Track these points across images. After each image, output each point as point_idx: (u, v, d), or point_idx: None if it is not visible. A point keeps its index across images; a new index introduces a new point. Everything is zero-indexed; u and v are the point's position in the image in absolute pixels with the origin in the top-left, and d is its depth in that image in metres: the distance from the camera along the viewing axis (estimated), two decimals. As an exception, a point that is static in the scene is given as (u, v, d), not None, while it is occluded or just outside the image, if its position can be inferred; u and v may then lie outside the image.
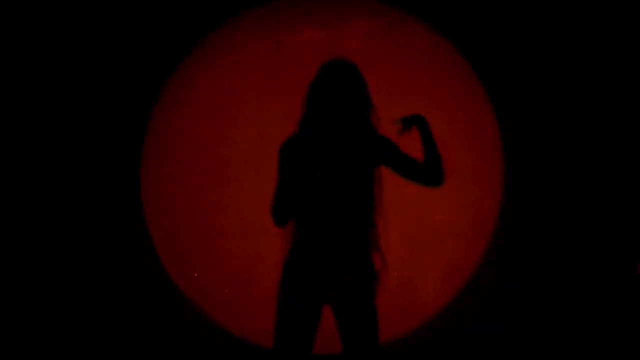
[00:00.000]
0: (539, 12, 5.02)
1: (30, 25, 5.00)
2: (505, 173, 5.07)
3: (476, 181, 5.12)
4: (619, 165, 5.00)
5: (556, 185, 5.02)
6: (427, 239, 5.10)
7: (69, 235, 5.00)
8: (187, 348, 5.05)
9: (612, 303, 4.96)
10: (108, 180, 5.02)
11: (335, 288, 3.18)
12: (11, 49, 5.01)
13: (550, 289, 5.00)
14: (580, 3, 5.00)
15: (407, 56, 5.15)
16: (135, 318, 5.03)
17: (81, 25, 5.01)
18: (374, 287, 3.22)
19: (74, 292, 5.00)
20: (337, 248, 3.17)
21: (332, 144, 3.19)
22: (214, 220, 5.13)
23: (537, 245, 5.01)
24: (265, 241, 5.05)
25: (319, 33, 5.15)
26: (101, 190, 5.02)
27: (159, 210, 5.12)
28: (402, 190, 5.02)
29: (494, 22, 5.03)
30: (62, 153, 5.01)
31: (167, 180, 5.14)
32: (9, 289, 4.98)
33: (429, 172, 3.28)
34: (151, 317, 5.04)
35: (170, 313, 5.06)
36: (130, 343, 5.01)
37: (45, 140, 5.01)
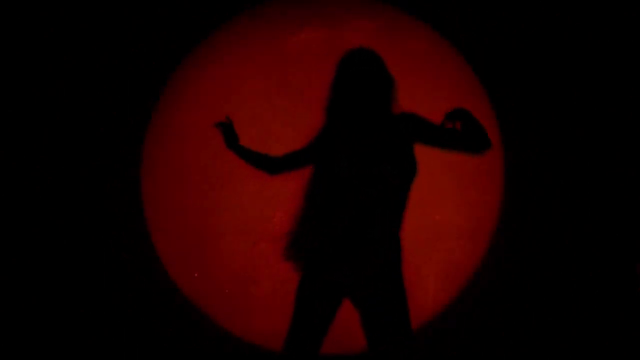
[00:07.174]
0: (539, 12, 5.02)
1: (31, 26, 5.00)
2: (505, 173, 5.07)
3: (476, 181, 5.12)
4: (619, 165, 5.00)
5: (556, 185, 5.03)
6: (427, 239, 5.10)
7: (69, 235, 5.00)
8: (187, 348, 5.05)
9: (612, 303, 4.96)
10: (108, 180, 5.02)
11: (357, 276, 3.07)
12: (12, 49, 5.01)
13: (550, 289, 5.00)
14: (580, 3, 5.00)
15: (407, 56, 5.14)
16: (135, 318, 5.03)
17: (81, 26, 5.01)
18: (399, 271, 3.09)
19: (75, 292, 5.00)
20: (359, 234, 3.05)
21: (358, 136, 3.10)
22: (214, 220, 5.13)
23: (537, 245, 5.01)
24: (265, 241, 5.06)
25: (319, 33, 5.15)
26: (102, 190, 5.02)
27: (159, 210, 5.12)
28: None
29: (494, 22, 5.03)
30: (63, 153, 5.01)
31: (167, 180, 5.14)
32: (9, 289, 4.98)
33: (472, 137, 3.11)
34: (151, 317, 5.04)
35: (170, 313, 5.06)
36: (131, 343, 5.01)
37: (45, 140, 5.01)
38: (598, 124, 5.02)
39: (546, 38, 5.02)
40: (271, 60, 5.15)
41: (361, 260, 3.08)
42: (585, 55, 5.01)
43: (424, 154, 5.30)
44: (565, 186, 5.02)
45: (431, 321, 5.07)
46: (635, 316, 4.94)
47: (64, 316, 4.99)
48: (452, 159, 5.14)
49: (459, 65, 5.09)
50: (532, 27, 5.02)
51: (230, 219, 5.13)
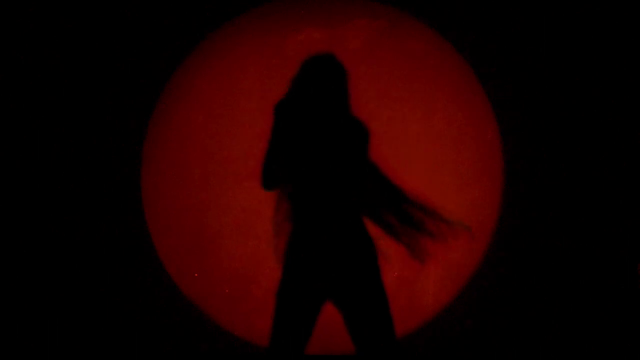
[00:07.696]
0: (539, 12, 5.02)
1: (31, 27, 5.00)
2: (505, 173, 5.07)
3: (476, 181, 5.12)
4: (619, 165, 5.00)
5: (556, 185, 5.02)
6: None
7: (69, 235, 5.00)
8: (187, 348, 5.05)
9: (612, 303, 4.96)
10: (108, 181, 5.02)
11: (336, 277, 3.07)
12: (12, 49, 5.01)
13: (550, 289, 5.00)
14: (580, 3, 5.01)
15: (407, 56, 5.15)
16: (135, 318, 5.02)
17: (81, 27, 5.01)
18: (377, 267, 3.10)
19: (74, 292, 4.99)
20: (332, 235, 3.08)
21: (315, 134, 3.17)
22: (214, 220, 5.13)
23: (537, 245, 5.01)
24: (265, 241, 5.05)
25: (319, 33, 5.15)
26: (101, 191, 5.02)
27: (159, 210, 5.12)
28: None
29: (494, 22, 5.03)
30: (63, 154, 5.01)
31: (167, 180, 5.14)
32: (10, 289, 4.97)
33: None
34: (151, 317, 5.04)
35: (170, 313, 5.06)
36: (131, 343, 5.01)
37: (46, 140, 5.01)
38: (598, 123, 5.01)
39: (546, 38, 5.02)
40: (271, 60, 5.14)
41: (339, 261, 3.08)
42: (585, 55, 5.01)
43: (423, 153, 5.31)
44: (565, 186, 5.02)
45: (431, 321, 5.07)
46: (636, 316, 4.94)
47: (64, 316, 4.99)
48: (452, 159, 5.17)
49: (459, 65, 5.09)
50: (532, 27, 5.02)
51: (230, 219, 5.13)
